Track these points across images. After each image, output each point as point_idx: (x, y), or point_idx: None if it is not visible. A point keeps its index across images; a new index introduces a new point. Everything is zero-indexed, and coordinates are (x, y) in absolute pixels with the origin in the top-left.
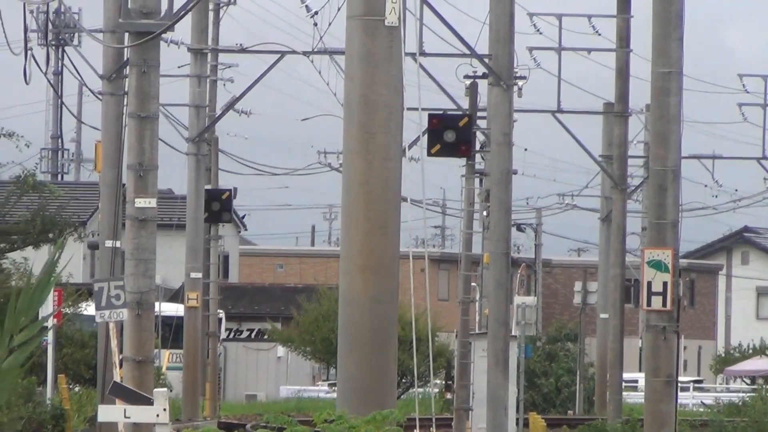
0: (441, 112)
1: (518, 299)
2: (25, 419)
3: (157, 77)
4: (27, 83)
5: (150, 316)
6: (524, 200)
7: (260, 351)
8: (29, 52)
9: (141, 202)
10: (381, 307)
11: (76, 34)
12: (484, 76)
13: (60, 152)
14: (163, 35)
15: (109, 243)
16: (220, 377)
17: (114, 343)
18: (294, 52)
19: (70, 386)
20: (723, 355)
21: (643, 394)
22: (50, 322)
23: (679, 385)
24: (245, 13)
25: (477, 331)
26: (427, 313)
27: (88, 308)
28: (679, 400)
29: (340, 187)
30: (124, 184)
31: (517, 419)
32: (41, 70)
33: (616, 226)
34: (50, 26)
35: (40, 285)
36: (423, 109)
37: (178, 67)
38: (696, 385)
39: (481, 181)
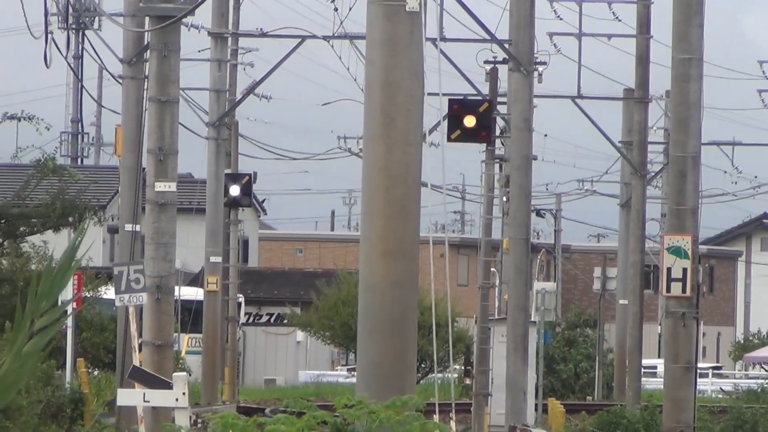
0: (461, 97)
1: (538, 285)
2: (44, 403)
3: (178, 61)
4: (47, 67)
5: (169, 300)
6: (544, 186)
7: (279, 335)
8: (49, 36)
9: (161, 186)
10: (401, 293)
11: (97, 18)
12: (504, 62)
13: (80, 136)
14: (184, 19)
15: (128, 227)
16: (239, 362)
17: (133, 327)
18: (314, 36)
19: (89, 370)
20: (742, 341)
21: (662, 380)
22: (70, 307)
23: (698, 371)
24: None
25: (496, 317)
26: (447, 298)
27: (108, 292)
28: (698, 387)
29: (360, 172)
30: (144, 168)
31: (536, 405)
32: (61, 54)
33: (635, 212)
34: (70, 10)
35: (61, 270)
36: (443, 95)
37: (199, 51)
38: (715, 371)
39: (500, 166)
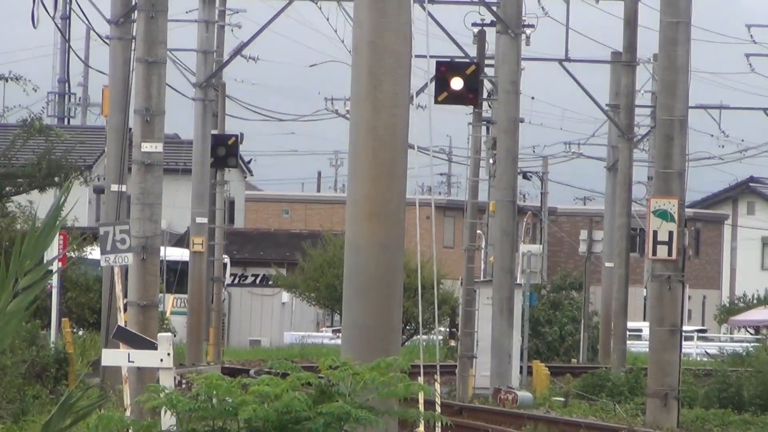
0: (449, 59)
1: (524, 247)
2: (28, 362)
3: (165, 22)
4: (35, 27)
5: (155, 260)
6: (531, 148)
7: (265, 297)
8: None
9: (147, 147)
10: (387, 254)
11: None
12: (492, 24)
13: (67, 96)
14: None
15: (115, 187)
16: (225, 322)
17: (118, 287)
18: None
19: (74, 330)
20: (727, 305)
21: (647, 343)
22: (55, 266)
23: (683, 334)
24: None
25: (482, 279)
26: (433, 260)
27: (93, 252)
28: (683, 350)
29: (347, 133)
30: (130, 129)
31: (521, 367)
32: (49, 14)
33: (622, 175)
34: None
35: (46, 229)
36: (431, 57)
37: (186, 12)
38: (700, 334)
39: (487, 129)
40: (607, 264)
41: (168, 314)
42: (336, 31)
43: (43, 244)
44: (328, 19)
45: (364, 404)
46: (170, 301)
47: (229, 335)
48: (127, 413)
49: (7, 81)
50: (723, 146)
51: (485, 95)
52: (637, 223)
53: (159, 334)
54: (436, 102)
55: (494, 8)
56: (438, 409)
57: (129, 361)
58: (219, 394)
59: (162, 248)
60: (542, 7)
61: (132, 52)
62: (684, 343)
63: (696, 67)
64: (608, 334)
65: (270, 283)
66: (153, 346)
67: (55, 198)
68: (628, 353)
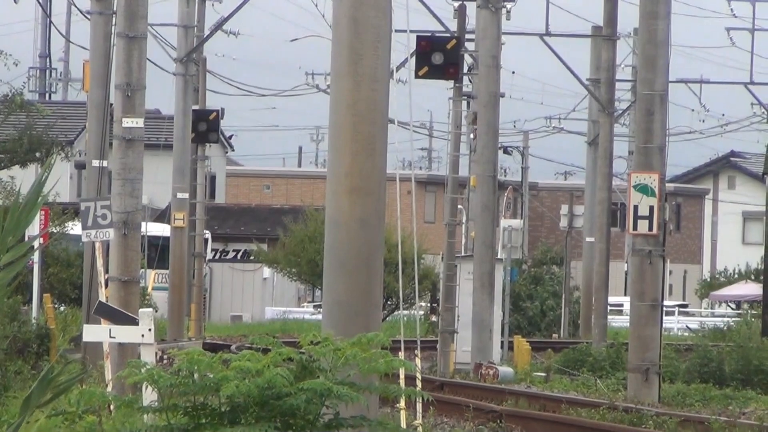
0: (429, 34)
1: (504, 222)
2: (9, 338)
3: None
4: (16, 2)
5: (136, 236)
6: (511, 123)
7: (246, 272)
8: None
9: (128, 122)
10: (367, 230)
11: None
12: None
13: (48, 71)
14: None
15: (96, 163)
16: (206, 298)
17: (100, 262)
18: None
19: (56, 306)
20: (708, 279)
21: (628, 318)
22: (37, 243)
23: (664, 309)
24: None
25: (463, 254)
26: (414, 236)
27: (75, 228)
28: (664, 325)
29: (328, 108)
30: (111, 104)
31: (502, 342)
32: None
33: (603, 149)
34: None
35: (28, 205)
36: (411, 32)
37: None
38: (681, 309)
39: (468, 103)
40: (587, 239)
41: (149, 290)
42: (316, 6)
43: (25, 221)
44: None
45: (345, 380)
46: (151, 277)
47: (211, 311)
48: (109, 389)
49: None
50: (704, 121)
51: (466, 70)
52: (618, 197)
53: (140, 310)
54: (417, 76)
55: None
56: (419, 384)
57: (110, 337)
58: (200, 369)
59: (143, 224)
60: None
61: (113, 27)
62: (665, 317)
63: (677, 41)
64: (589, 309)
65: (251, 258)
66: (134, 322)
67: (37, 174)
68: (609, 328)
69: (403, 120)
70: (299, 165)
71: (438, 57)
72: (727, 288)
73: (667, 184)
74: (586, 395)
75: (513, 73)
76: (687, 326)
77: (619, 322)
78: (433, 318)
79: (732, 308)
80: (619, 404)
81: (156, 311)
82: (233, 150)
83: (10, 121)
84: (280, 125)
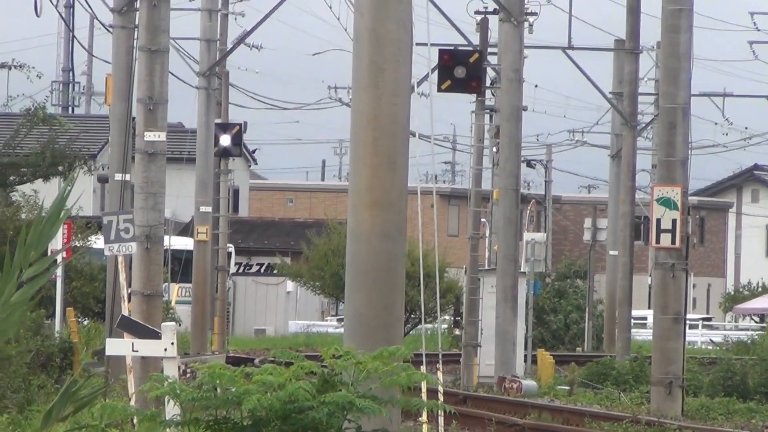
0: (451, 48)
1: (528, 236)
2: (33, 352)
3: (168, 10)
4: (38, 16)
5: (159, 249)
6: (534, 136)
7: (269, 285)
8: None
9: (150, 136)
10: (389, 243)
11: None
12: (494, 12)
13: (71, 85)
14: None
15: (118, 176)
16: (229, 312)
17: (123, 276)
18: None
19: (79, 319)
20: (732, 292)
21: (651, 331)
22: (59, 258)
23: (687, 322)
24: None
25: (486, 268)
26: (435, 249)
27: (98, 241)
28: (687, 338)
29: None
30: (134, 118)
31: (526, 356)
32: (52, 3)
33: (626, 163)
34: None
35: (51, 219)
36: (433, 45)
37: (189, 0)
38: (705, 322)
39: (491, 117)
40: (611, 252)
41: (173, 303)
42: (339, 19)
43: (47, 235)
44: (330, 7)
45: (367, 393)
46: (175, 291)
47: (234, 324)
48: (131, 402)
49: (11, 69)
50: (727, 134)
51: (488, 83)
52: (641, 211)
53: (163, 324)
54: (440, 90)
55: None
56: (441, 397)
57: (133, 351)
58: (222, 383)
59: (166, 237)
60: None
61: (135, 41)
62: (689, 331)
63: (699, 54)
64: (613, 322)
65: (275, 272)
66: (157, 336)
67: (60, 188)
68: (632, 341)
69: (425, 133)
70: (322, 178)
71: (460, 70)
72: (751, 301)
73: (690, 198)
74: (610, 409)
75: (536, 86)
76: (711, 339)
77: (643, 335)
78: (457, 331)
79: (756, 321)
80: (642, 418)
81: (179, 325)
82: (256, 163)
83: (33, 134)
84: (303, 139)
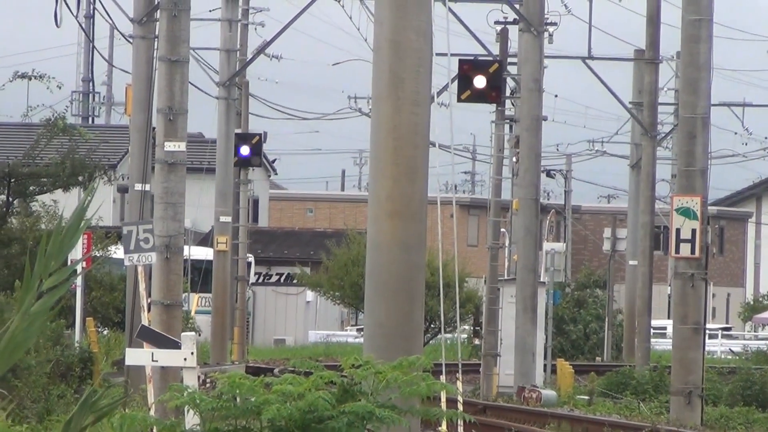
0: (471, 58)
1: (547, 245)
2: (53, 362)
3: (188, 21)
4: (58, 26)
5: (179, 259)
6: (554, 146)
7: (289, 295)
8: None
9: (170, 146)
10: (408, 253)
11: None
12: (514, 22)
13: (91, 95)
14: None
15: (138, 186)
16: (249, 321)
17: (142, 286)
18: None
19: (99, 329)
20: (752, 302)
21: (671, 341)
22: (80, 268)
23: (707, 332)
24: None
25: (506, 277)
26: (455, 259)
27: (118, 252)
28: (706, 348)
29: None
30: (154, 128)
31: (545, 365)
32: (72, 14)
33: (645, 173)
34: None
35: (71, 229)
36: (453, 55)
37: (210, 11)
38: (724, 332)
39: (511, 127)
40: (630, 262)
41: (192, 313)
42: (359, 29)
43: (67, 245)
44: (350, 18)
45: (387, 403)
46: (195, 301)
47: (254, 334)
48: (151, 412)
49: (31, 80)
50: (746, 144)
51: (508, 93)
52: (661, 220)
53: (182, 333)
54: (459, 100)
55: (517, 6)
56: (460, 407)
57: (153, 361)
58: (242, 393)
59: (186, 247)
60: (565, 5)
61: (155, 51)
62: (708, 340)
63: (719, 64)
64: (632, 332)
65: (294, 281)
66: (177, 346)
67: (80, 198)
68: (652, 351)
69: (444, 144)
70: (342, 188)
71: (480, 81)
72: None
73: (709, 208)
74: (629, 418)
75: (555, 96)
76: (730, 349)
77: (663, 345)
78: (476, 341)
79: None
80: (662, 427)
81: (199, 335)
82: (276, 173)
83: (53, 144)
84: (322, 149)
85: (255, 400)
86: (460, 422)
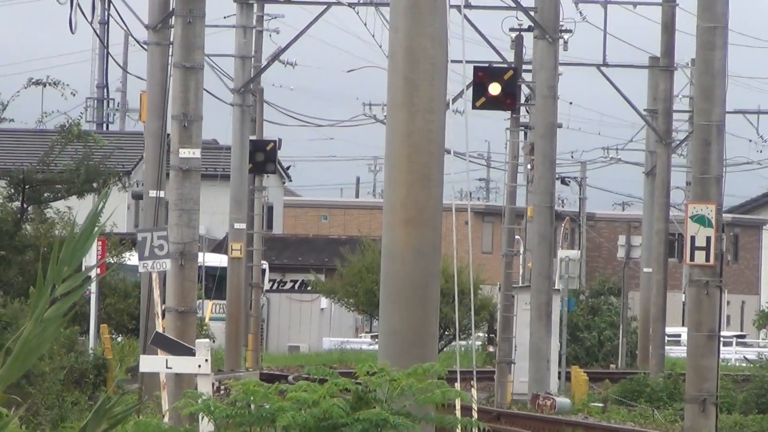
0: (486, 65)
1: (562, 253)
2: (67, 369)
3: (203, 27)
4: (73, 33)
5: (193, 266)
6: (569, 153)
7: (303, 302)
8: (74, 1)
9: (185, 153)
10: (423, 260)
11: None
12: (529, 29)
13: (105, 102)
14: None
15: (153, 193)
16: (263, 328)
17: (157, 293)
18: (340, 3)
19: (113, 336)
20: (766, 309)
21: (685, 348)
22: (93, 274)
23: (721, 339)
24: None
25: (520, 285)
26: (470, 266)
27: (132, 258)
28: (721, 355)
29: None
30: (168, 135)
31: (560, 373)
32: (87, 20)
33: (660, 180)
34: None
35: (84, 235)
36: (468, 62)
37: (224, 17)
38: (739, 339)
39: (525, 134)
40: (645, 269)
41: (207, 320)
42: (373, 36)
43: (81, 251)
44: (365, 24)
45: (402, 410)
46: (209, 307)
47: (268, 341)
48: (165, 419)
49: (45, 86)
50: (761, 151)
51: (523, 100)
52: (676, 228)
53: (197, 340)
54: (474, 107)
55: (532, 13)
56: (475, 414)
57: (167, 367)
58: (256, 400)
59: (200, 254)
60: (580, 12)
61: (169, 58)
62: (723, 348)
63: (734, 71)
64: (647, 339)
65: (309, 288)
66: (191, 352)
67: (94, 204)
68: (666, 359)
69: (459, 150)
70: (356, 195)
71: (495, 88)
72: None
73: (724, 215)
74: (644, 426)
75: (570, 103)
76: (744, 357)
77: (677, 352)
78: (491, 348)
79: None
80: None
81: (213, 342)
82: (291, 180)
83: (68, 151)
84: (337, 155)
85: (269, 407)
86: (475, 430)
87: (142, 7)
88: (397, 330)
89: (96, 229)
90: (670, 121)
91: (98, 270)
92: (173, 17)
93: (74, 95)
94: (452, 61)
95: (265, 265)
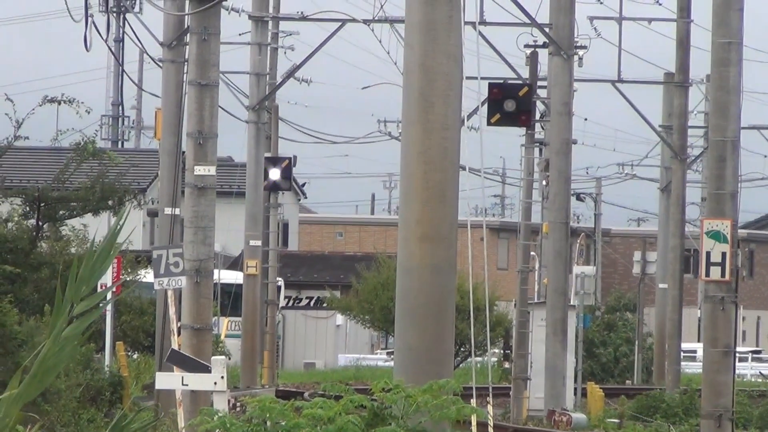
0: (501, 81)
1: (577, 269)
2: (83, 386)
3: (218, 45)
4: (87, 50)
5: (209, 283)
6: (584, 170)
7: (319, 319)
8: (90, 19)
9: (200, 170)
10: (439, 277)
11: (137, 1)
12: (544, 46)
13: (120, 119)
14: (224, 2)
15: (168, 210)
16: (279, 345)
17: (172, 310)
18: (354, 20)
19: (129, 353)
20: None
21: (701, 364)
22: (110, 294)
23: (737, 355)
24: None
25: (536, 301)
26: (485, 282)
27: (147, 276)
28: (737, 371)
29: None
30: (183, 152)
31: (575, 389)
32: (102, 38)
33: (675, 196)
34: None
35: (102, 254)
36: (483, 79)
37: (239, 34)
38: (754, 355)
39: (540, 150)
40: (660, 285)
41: (222, 337)
42: (389, 53)
43: (99, 270)
44: (380, 41)
45: (417, 427)
46: (225, 324)
47: (284, 358)
48: None
49: (60, 104)
50: None
51: (538, 117)
52: (691, 244)
53: (212, 357)
54: (489, 124)
55: (547, 30)
56: (490, 431)
57: (183, 385)
58: (272, 417)
59: (216, 271)
60: (595, 29)
61: (184, 75)
62: (738, 364)
63: (749, 87)
64: (662, 355)
65: (324, 305)
66: (207, 370)
67: (112, 224)
68: (682, 374)
69: (474, 167)
70: (372, 212)
71: (510, 104)
72: None
73: (739, 231)
74: None
75: (585, 119)
76: (760, 372)
77: (693, 368)
78: (506, 365)
79: None
80: None
81: (229, 358)
82: (306, 197)
83: (83, 169)
84: (352, 172)
85: (285, 424)
86: None
87: (157, 25)
88: (413, 346)
89: (114, 249)
90: (685, 137)
91: (115, 290)
92: (188, 35)
93: (89, 113)
94: (467, 78)
95: (281, 281)
